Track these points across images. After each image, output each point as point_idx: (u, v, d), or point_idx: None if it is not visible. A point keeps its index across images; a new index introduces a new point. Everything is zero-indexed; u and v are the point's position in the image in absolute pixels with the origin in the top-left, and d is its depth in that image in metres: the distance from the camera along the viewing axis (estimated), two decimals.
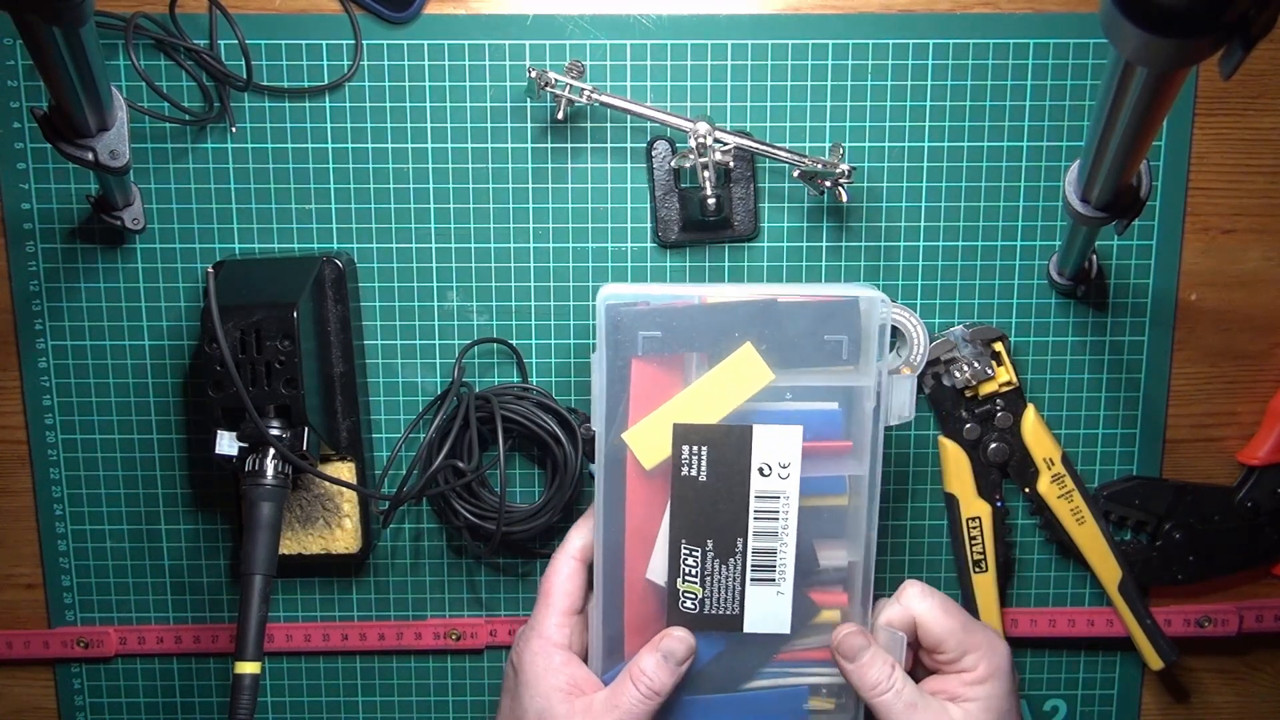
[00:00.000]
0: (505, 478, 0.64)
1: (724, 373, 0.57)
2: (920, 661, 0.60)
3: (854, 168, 0.62)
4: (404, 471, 0.66)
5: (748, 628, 0.59)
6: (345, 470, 0.65)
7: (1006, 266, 0.66)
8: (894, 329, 0.65)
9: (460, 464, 0.64)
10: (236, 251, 0.66)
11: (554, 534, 0.69)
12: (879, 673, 0.56)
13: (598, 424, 0.57)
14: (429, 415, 0.67)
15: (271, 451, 0.58)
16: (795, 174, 0.63)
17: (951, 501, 0.68)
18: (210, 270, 0.61)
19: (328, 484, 0.65)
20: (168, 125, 0.64)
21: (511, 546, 0.69)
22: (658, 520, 0.58)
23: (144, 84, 0.63)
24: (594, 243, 0.66)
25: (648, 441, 0.57)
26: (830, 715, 0.59)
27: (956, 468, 0.67)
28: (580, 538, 0.60)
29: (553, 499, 0.65)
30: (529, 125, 0.65)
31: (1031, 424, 0.66)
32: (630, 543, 0.58)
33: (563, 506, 0.65)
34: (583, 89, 0.61)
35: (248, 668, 0.54)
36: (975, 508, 0.67)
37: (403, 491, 0.64)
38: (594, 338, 0.59)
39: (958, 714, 0.56)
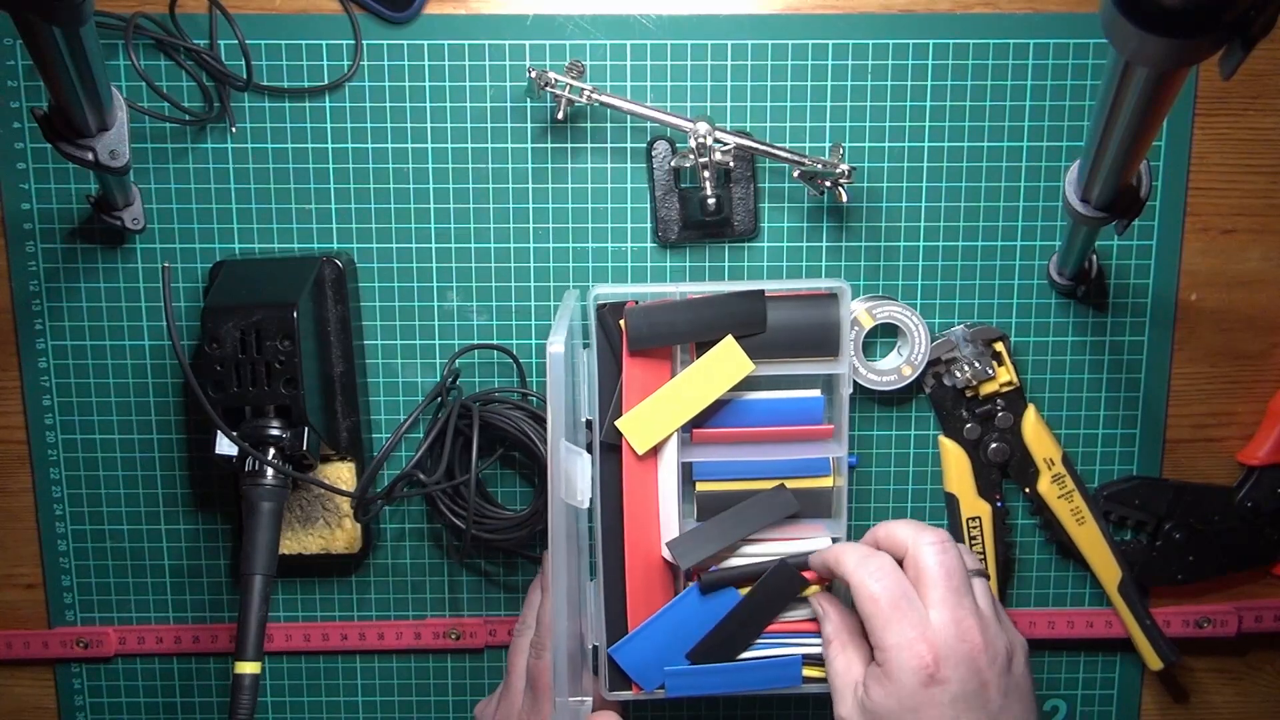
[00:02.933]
0: (477, 484, 0.64)
1: (707, 364, 0.60)
2: None
3: (854, 168, 0.62)
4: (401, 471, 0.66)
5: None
6: (345, 470, 0.65)
7: (1006, 266, 0.66)
8: (895, 328, 0.66)
9: (422, 475, 0.64)
10: (236, 251, 0.66)
11: (541, 542, 0.68)
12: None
13: (591, 416, 0.61)
14: (424, 415, 0.67)
15: (271, 451, 0.58)
16: (795, 174, 0.62)
17: (951, 501, 0.68)
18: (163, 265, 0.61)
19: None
20: (168, 125, 0.64)
21: (500, 549, 0.69)
22: (653, 501, 0.61)
23: (144, 84, 0.63)
24: (594, 243, 0.66)
25: (640, 429, 0.60)
26: (823, 684, 0.60)
27: (957, 468, 0.67)
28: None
29: (541, 510, 0.65)
30: (529, 125, 0.65)
31: (1032, 424, 0.66)
32: (629, 523, 0.61)
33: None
34: (583, 89, 0.61)
35: (248, 668, 0.54)
36: (975, 508, 0.67)
37: (367, 494, 0.64)
38: (578, 334, 0.62)
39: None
